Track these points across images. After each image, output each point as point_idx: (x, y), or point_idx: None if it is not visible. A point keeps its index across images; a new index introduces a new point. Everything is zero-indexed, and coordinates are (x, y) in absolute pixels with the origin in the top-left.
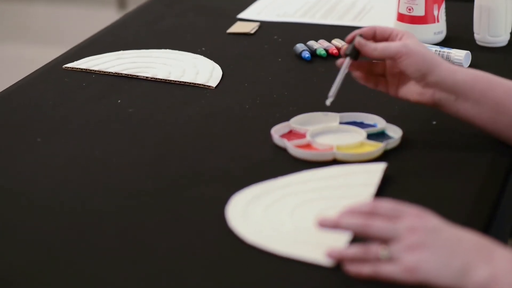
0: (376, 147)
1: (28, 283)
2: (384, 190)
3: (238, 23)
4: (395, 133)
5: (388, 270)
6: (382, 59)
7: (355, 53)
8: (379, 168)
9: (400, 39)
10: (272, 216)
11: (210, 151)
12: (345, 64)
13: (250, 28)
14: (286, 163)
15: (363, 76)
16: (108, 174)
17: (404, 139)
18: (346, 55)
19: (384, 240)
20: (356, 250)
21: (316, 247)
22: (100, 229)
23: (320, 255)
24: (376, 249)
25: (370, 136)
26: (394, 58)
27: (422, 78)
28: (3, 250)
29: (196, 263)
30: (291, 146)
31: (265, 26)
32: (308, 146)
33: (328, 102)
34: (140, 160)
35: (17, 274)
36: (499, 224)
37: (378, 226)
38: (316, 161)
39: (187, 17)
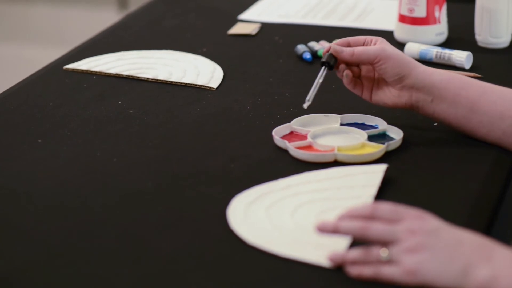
0: (377, 148)
1: (28, 283)
2: (385, 191)
3: (239, 24)
4: (396, 134)
5: (389, 272)
6: (359, 64)
7: (332, 61)
8: (380, 169)
9: (375, 44)
10: (273, 217)
11: (211, 152)
12: (320, 71)
13: (251, 29)
14: (287, 164)
15: (351, 78)
16: (109, 175)
17: (405, 140)
18: (322, 64)
19: (384, 243)
20: (357, 253)
21: (317, 248)
22: (101, 229)
23: (321, 256)
24: (377, 252)
25: (371, 138)
26: (372, 62)
27: (400, 81)
28: (3, 249)
29: (197, 264)
30: (292, 147)
31: (266, 27)
32: (309, 147)
33: (305, 105)
34: (141, 161)
35: (18, 274)
36: (500, 225)
37: (377, 229)
38: (317, 162)
39: (188, 18)
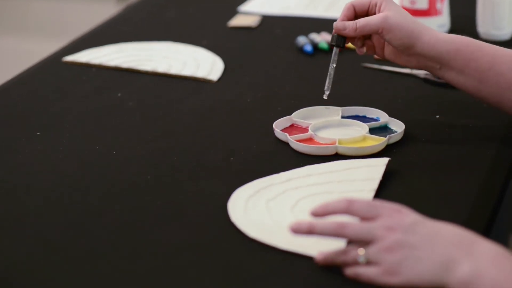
0: (379, 141)
1: (27, 278)
2: (386, 184)
3: (240, 16)
4: (397, 127)
5: (369, 273)
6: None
7: (340, 40)
8: (382, 163)
9: (379, 8)
10: (274, 210)
11: (211, 145)
12: (333, 55)
13: (252, 21)
14: (287, 157)
15: (364, 49)
16: (109, 168)
17: (406, 133)
18: (331, 46)
19: (362, 242)
20: (336, 253)
21: (316, 242)
22: (100, 223)
23: (321, 250)
24: (354, 253)
25: (373, 130)
26: (376, 33)
27: (406, 50)
28: (2, 244)
29: (197, 258)
30: (293, 140)
31: (266, 19)
32: (310, 140)
33: (325, 96)
34: (141, 154)
35: (16, 269)
36: (502, 217)
37: (354, 228)
38: (318, 155)
39: (188, 9)
